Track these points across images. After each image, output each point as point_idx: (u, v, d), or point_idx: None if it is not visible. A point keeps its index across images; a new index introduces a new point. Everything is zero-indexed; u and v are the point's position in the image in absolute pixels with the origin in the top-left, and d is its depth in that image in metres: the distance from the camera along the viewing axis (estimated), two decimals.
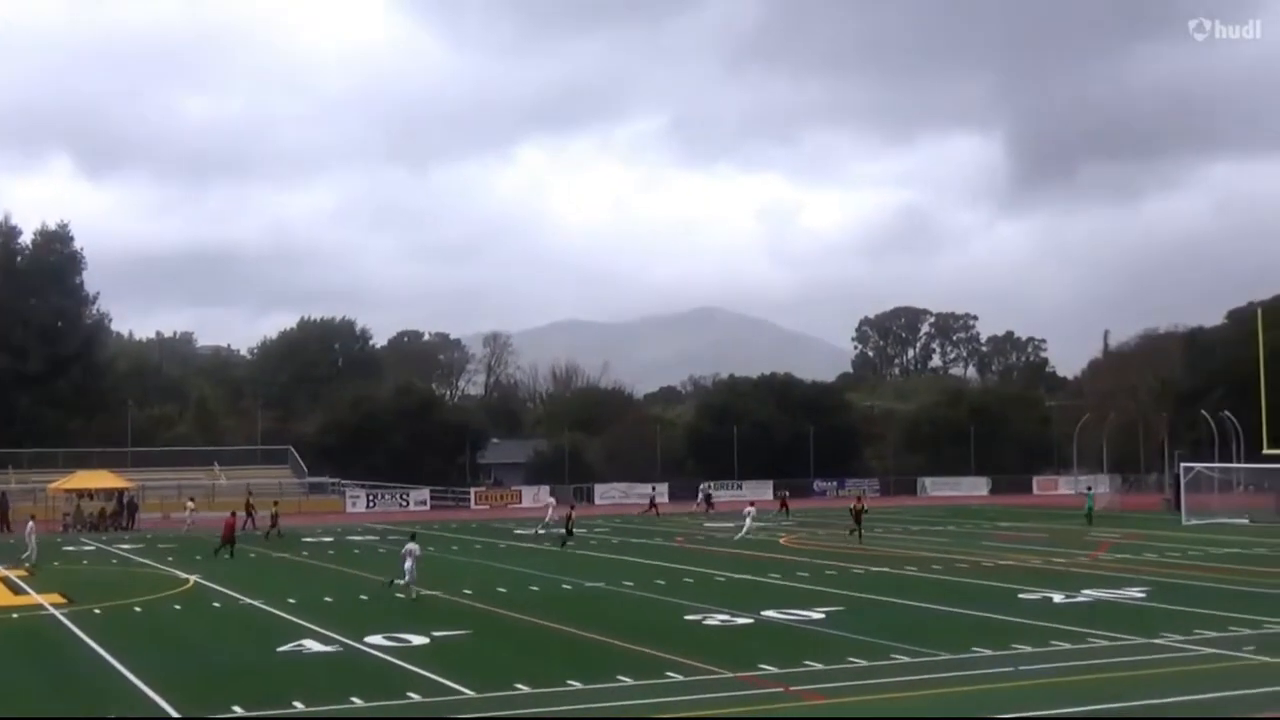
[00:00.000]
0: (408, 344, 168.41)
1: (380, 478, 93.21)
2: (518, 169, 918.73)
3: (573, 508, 63.14)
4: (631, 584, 38.55)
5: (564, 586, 38.38)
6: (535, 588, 38.16)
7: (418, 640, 27.33)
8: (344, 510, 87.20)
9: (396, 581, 36.29)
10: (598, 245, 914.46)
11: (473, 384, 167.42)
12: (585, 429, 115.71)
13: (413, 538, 37.10)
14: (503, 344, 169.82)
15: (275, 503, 65.42)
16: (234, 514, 54.77)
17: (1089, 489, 71.25)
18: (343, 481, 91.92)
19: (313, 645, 26.93)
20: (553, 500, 74.25)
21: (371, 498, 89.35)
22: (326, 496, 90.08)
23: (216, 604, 35.21)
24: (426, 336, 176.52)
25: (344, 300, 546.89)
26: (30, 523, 50.32)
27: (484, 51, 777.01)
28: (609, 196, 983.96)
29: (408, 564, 35.39)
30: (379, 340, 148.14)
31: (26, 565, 46.00)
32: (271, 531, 60.93)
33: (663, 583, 38.86)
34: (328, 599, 35.56)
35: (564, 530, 56.41)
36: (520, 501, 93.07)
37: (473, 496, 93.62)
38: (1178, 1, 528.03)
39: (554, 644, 27.57)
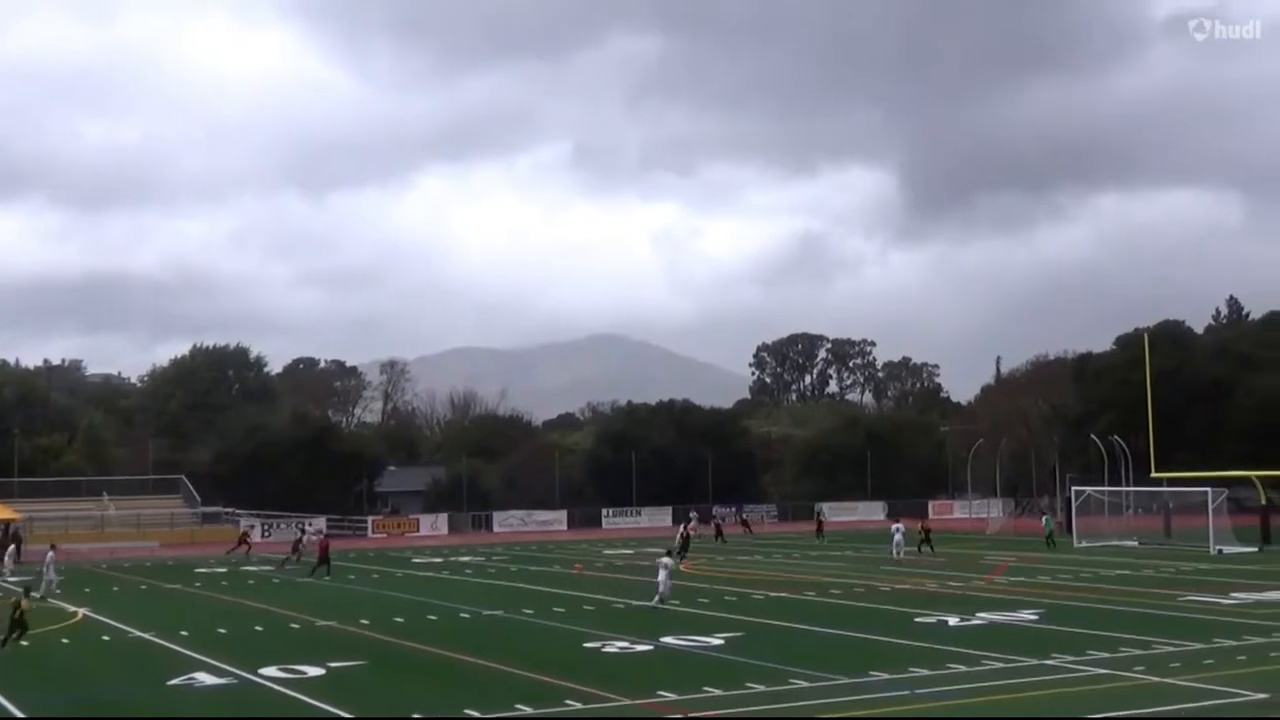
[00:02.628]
0: (303, 371, 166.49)
1: (275, 507, 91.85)
2: (419, 198, 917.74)
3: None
4: (531, 612, 38.37)
5: (462, 615, 38.10)
6: (433, 617, 37.85)
7: (313, 672, 26.96)
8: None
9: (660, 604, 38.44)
10: (497, 273, 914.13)
11: (369, 411, 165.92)
12: (483, 456, 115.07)
13: (668, 553, 42.72)
14: (400, 371, 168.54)
15: (302, 529, 68.52)
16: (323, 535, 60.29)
17: (1044, 514, 72.05)
18: (236, 511, 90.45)
19: (205, 678, 26.46)
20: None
21: (266, 527, 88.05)
22: (220, 526, 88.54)
23: (106, 637, 34.50)
24: (323, 364, 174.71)
25: (240, 327, 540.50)
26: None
27: (391, 84, 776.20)
28: (509, 225, 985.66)
29: (660, 575, 38.99)
30: (274, 367, 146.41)
31: None
32: (291, 558, 60.96)
33: (562, 610, 38.73)
34: (221, 631, 34.99)
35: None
36: (418, 530, 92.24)
37: (370, 525, 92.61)
38: (1062, 43, 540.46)
39: (452, 674, 27.34)
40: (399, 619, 37.03)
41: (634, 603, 40.65)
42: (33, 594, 36.43)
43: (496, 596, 44.18)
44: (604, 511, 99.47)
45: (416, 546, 75.46)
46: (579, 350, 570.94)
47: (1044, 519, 69.43)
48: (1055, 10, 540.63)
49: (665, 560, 40.18)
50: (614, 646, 30.28)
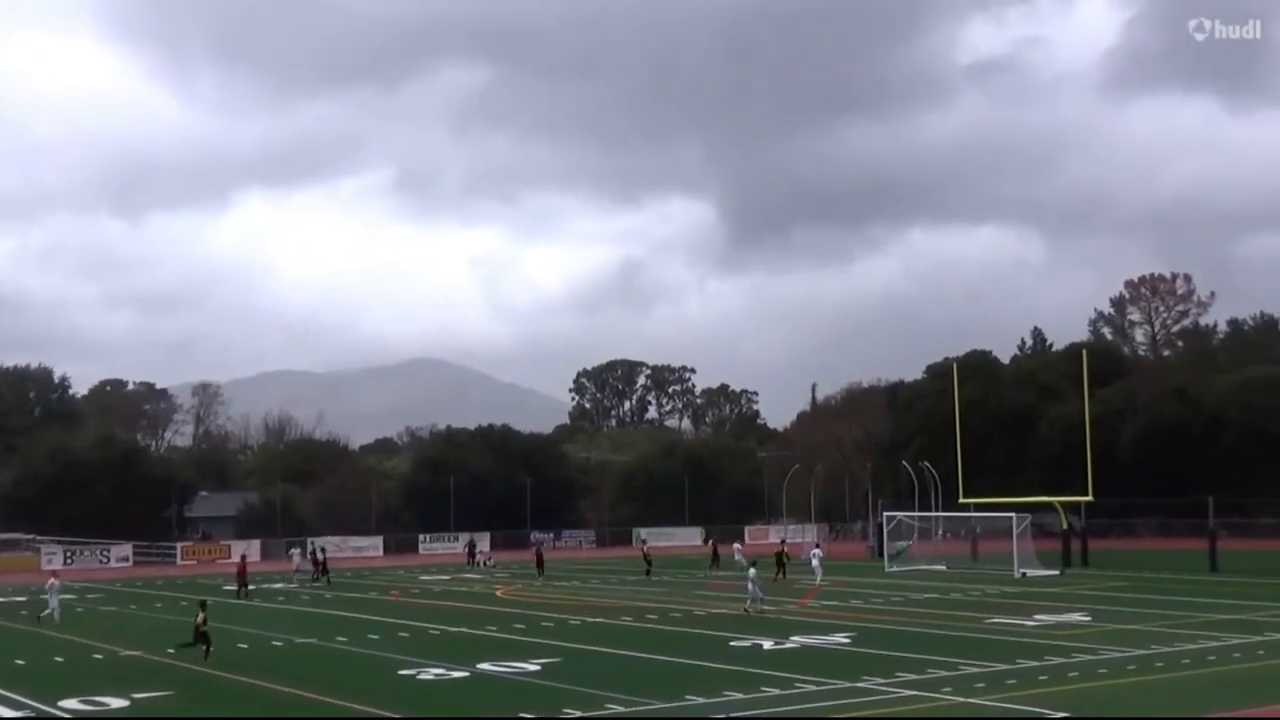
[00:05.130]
0: (111, 393, 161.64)
1: (79, 533, 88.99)
2: (238, 221, 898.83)
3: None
4: (345, 639, 37.80)
5: (274, 643, 37.34)
6: (244, 645, 37.00)
7: (116, 703, 26.17)
8: (39, 568, 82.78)
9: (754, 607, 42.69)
10: (316, 296, 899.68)
11: (180, 435, 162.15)
12: (298, 481, 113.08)
13: (753, 564, 45.49)
14: (212, 394, 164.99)
15: (323, 549, 70.52)
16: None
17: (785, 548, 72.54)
18: (38, 538, 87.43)
19: (1, 711, 25.48)
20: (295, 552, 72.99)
21: (69, 554, 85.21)
22: (20, 554, 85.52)
23: None
24: (131, 386, 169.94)
25: (47, 348, 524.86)
26: None
27: (216, 107, 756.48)
28: (330, 249, 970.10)
29: (750, 588, 42.91)
30: (80, 389, 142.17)
31: None
32: (322, 577, 63.52)
33: (376, 637, 38.23)
34: (19, 662, 33.75)
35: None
36: (229, 555, 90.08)
37: (179, 551, 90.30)
38: (875, 86, 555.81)
39: (262, 704, 26.78)
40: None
41: (450, 629, 40.33)
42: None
43: (310, 624, 43.43)
44: (421, 537, 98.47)
45: (228, 573, 73.69)
46: (398, 374, 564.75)
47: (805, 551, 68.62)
48: (869, 55, 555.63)
49: (752, 573, 44.11)
50: (429, 674, 29.97)
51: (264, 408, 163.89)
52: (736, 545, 71.41)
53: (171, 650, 34.30)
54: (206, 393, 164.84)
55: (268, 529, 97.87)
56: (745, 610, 43.11)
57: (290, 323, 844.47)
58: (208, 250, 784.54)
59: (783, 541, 70.44)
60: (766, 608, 43.36)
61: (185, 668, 31.94)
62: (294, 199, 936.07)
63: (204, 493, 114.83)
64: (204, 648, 32.74)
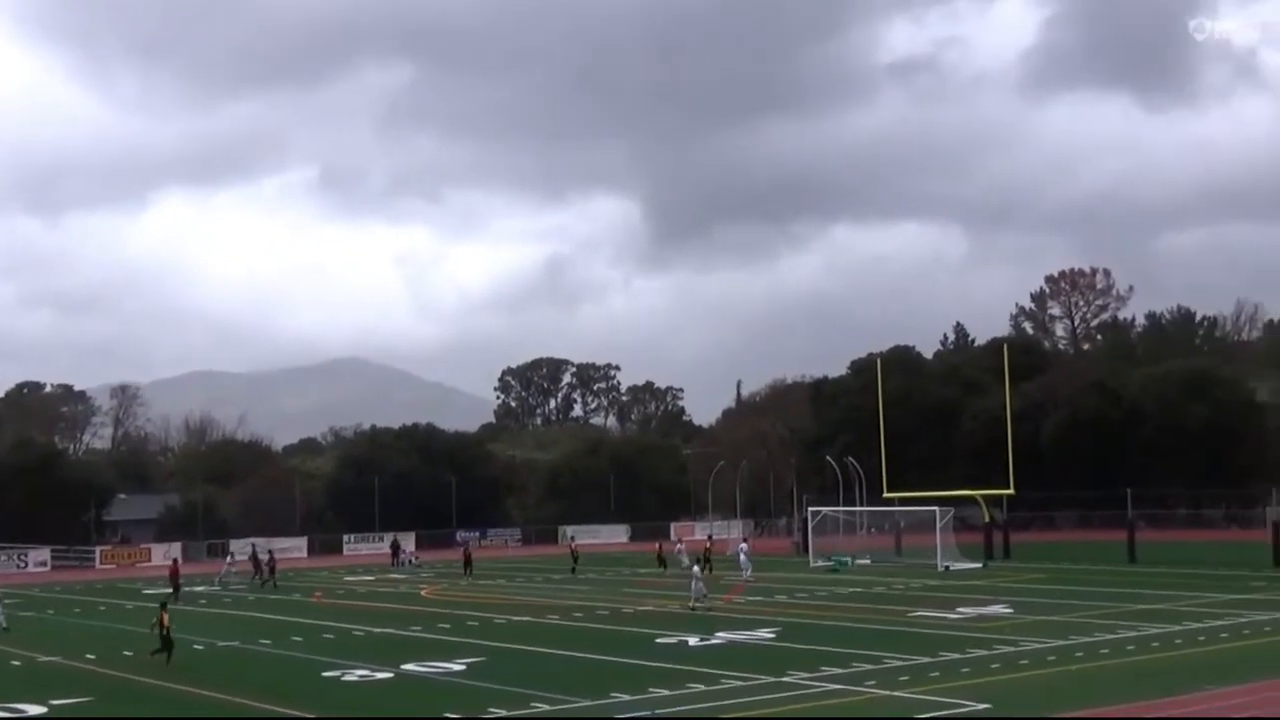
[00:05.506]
0: (28, 396, 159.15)
1: None
2: (159, 221, 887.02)
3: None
4: (268, 642, 37.45)
5: (195, 647, 36.84)
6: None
7: (34, 710, 25.78)
8: None
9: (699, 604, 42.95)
10: (239, 297, 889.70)
11: (99, 438, 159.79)
12: (220, 482, 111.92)
13: (697, 561, 50.68)
14: (131, 396, 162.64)
15: (269, 550, 69.26)
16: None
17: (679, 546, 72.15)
18: None
19: None
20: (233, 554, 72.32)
21: None
22: None
23: None
24: (49, 388, 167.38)
25: None
26: None
27: (136, 108, 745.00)
28: (252, 249, 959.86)
29: (695, 585, 43.83)
30: None
31: None
32: (270, 578, 62.75)
33: (301, 639, 37.91)
34: None
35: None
36: (150, 559, 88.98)
37: (98, 555, 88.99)
38: (797, 85, 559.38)
39: (184, 708, 26.47)
40: (128, 652, 35.58)
41: (375, 630, 40.08)
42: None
43: (233, 627, 42.99)
44: (346, 538, 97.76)
45: (148, 577, 72.82)
46: (322, 374, 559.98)
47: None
48: (792, 54, 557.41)
49: (744, 545, 47.93)
50: (354, 675, 29.77)
51: (185, 409, 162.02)
52: (680, 543, 71.17)
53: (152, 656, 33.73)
54: (126, 394, 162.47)
55: (189, 531, 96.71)
56: (691, 607, 42.85)
57: (212, 323, 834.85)
58: (127, 250, 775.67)
59: (709, 538, 70.60)
60: (697, 604, 43.20)
61: (106, 674, 31.54)
62: (216, 199, 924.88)
63: (123, 496, 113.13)
64: (165, 652, 32.31)
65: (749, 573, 57.65)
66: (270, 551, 70.00)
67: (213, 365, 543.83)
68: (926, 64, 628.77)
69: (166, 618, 32.93)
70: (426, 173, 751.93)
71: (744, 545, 62.45)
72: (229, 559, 69.98)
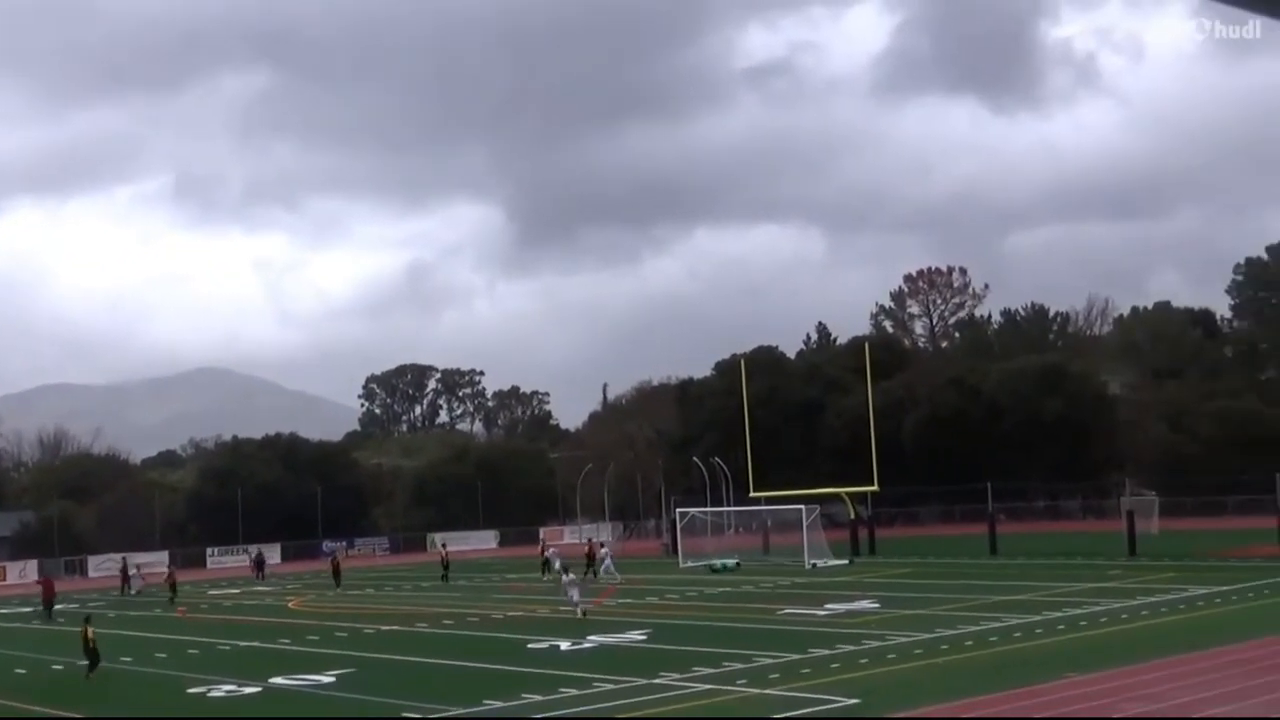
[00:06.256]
0: None
1: None
2: (6, 231, 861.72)
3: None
4: (130, 659, 36.61)
5: (55, 667, 35.95)
6: (21, 670, 35.61)
7: None
8: None
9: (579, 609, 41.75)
10: (92, 307, 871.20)
11: None
12: (76, 497, 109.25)
13: (568, 568, 50.89)
14: None
15: (170, 568, 68.39)
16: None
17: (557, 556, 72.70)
18: None
19: None
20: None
21: None
22: None
23: None
24: None
25: None
26: None
27: None
28: (106, 258, 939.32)
29: (571, 593, 42.77)
30: None
31: None
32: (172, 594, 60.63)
33: (164, 656, 37.15)
34: None
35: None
36: (4, 578, 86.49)
37: None
38: (656, 90, 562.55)
39: None
40: None
41: (241, 644, 39.42)
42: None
43: None
44: (208, 550, 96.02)
45: (3, 597, 70.83)
46: (180, 384, 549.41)
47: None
48: (649, 59, 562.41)
49: (568, 576, 45.90)
50: (220, 691, 29.25)
51: (38, 423, 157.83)
52: (552, 548, 70.67)
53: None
54: None
55: (44, 549, 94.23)
56: (581, 614, 41.61)
57: (66, 335, 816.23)
58: None
59: (589, 541, 70.36)
60: (585, 608, 42.76)
61: None
62: (67, 208, 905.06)
63: None
64: (91, 667, 32.13)
65: (605, 573, 57.86)
66: (170, 568, 69.18)
67: (66, 378, 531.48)
68: (782, 69, 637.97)
69: (91, 631, 32.91)
70: (285, 180, 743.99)
71: (604, 549, 62.46)
72: (135, 570, 69.47)
